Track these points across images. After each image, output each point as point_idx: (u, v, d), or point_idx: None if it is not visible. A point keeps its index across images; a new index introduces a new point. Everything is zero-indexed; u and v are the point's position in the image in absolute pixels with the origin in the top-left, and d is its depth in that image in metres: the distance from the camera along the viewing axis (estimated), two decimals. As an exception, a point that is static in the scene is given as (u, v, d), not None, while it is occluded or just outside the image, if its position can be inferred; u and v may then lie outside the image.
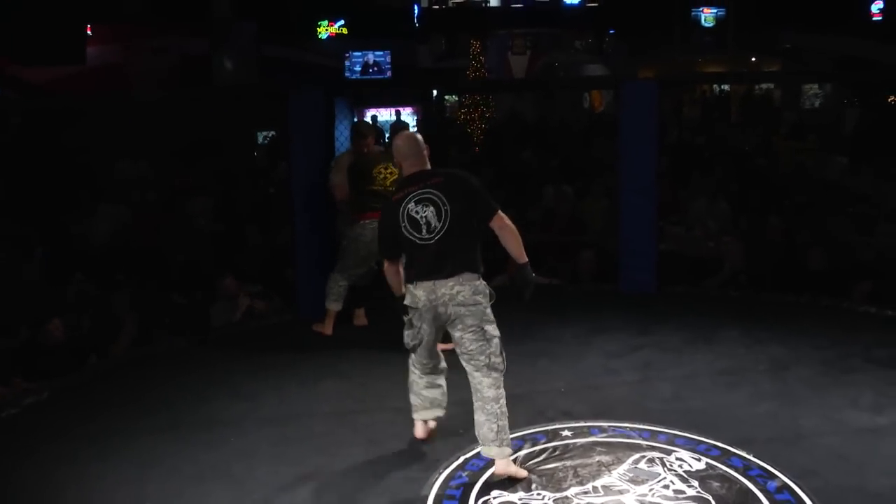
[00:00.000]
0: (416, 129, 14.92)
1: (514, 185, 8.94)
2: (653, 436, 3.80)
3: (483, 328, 3.47)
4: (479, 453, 3.63)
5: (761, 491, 3.30)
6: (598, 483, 3.37)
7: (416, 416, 3.83)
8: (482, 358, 3.46)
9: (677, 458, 3.56)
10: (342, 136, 6.15)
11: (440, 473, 3.51)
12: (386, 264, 3.72)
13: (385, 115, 15.65)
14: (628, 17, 20.26)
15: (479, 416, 3.46)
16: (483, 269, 3.56)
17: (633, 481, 3.38)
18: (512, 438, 3.66)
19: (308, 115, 5.82)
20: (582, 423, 3.94)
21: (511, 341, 5.11)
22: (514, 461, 3.54)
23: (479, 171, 9.49)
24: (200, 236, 7.69)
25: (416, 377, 3.78)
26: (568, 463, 3.54)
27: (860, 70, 15.29)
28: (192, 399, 4.45)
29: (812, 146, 11.29)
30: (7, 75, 11.57)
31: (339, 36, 18.84)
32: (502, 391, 3.48)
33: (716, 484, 3.35)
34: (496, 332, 3.51)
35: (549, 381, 4.56)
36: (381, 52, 17.81)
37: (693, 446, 3.68)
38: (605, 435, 3.82)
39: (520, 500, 3.27)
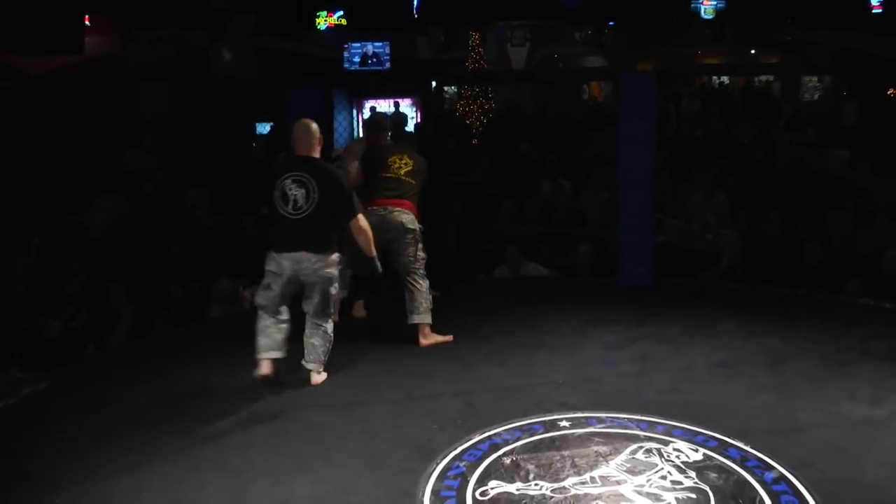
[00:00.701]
0: (415, 119, 14.91)
1: (513, 177, 8.93)
2: (650, 427, 3.80)
3: (326, 289, 4.39)
4: (476, 443, 3.65)
5: (758, 482, 3.30)
6: (596, 473, 3.38)
7: (263, 356, 4.41)
8: (318, 308, 4.42)
9: (675, 449, 3.57)
10: (341, 126, 6.14)
11: (437, 464, 3.51)
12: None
13: (384, 106, 15.60)
14: (628, 9, 20.21)
15: (315, 340, 4.42)
16: (336, 245, 4.39)
17: (631, 472, 3.39)
18: (510, 429, 3.77)
19: (307, 106, 5.80)
20: (580, 414, 3.95)
21: (509, 333, 5.19)
22: (510, 453, 3.56)
23: (478, 163, 9.52)
24: (198, 228, 7.68)
25: (270, 322, 4.43)
26: (566, 453, 3.55)
27: (859, 63, 15.26)
28: (190, 390, 4.45)
29: (811, 139, 11.27)
30: (5, 66, 11.53)
31: (337, 27, 18.79)
32: (330, 328, 4.47)
33: (713, 475, 3.36)
34: (334, 293, 4.47)
35: (547, 372, 4.56)
36: (380, 44, 17.76)
37: (690, 437, 3.69)
38: (602, 426, 3.82)
39: (517, 490, 3.28)
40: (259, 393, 4.38)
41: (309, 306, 4.42)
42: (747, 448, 3.57)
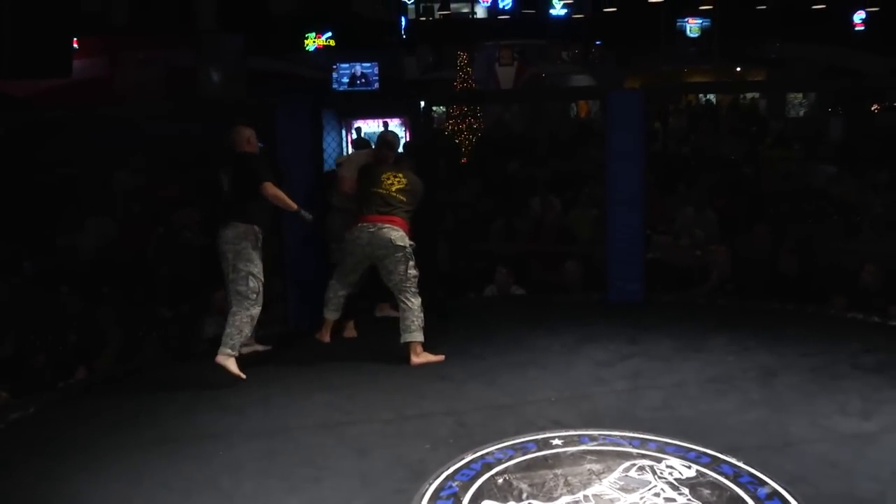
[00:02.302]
0: (404, 139, 14.94)
1: (502, 195, 8.96)
2: (643, 444, 3.79)
3: (236, 263, 4.79)
4: (469, 463, 3.63)
5: (751, 498, 3.30)
6: (589, 492, 3.37)
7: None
8: (233, 285, 4.81)
9: (667, 466, 3.56)
10: (329, 147, 6.15)
11: (430, 484, 3.49)
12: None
13: (373, 126, 15.64)
14: (615, 28, 20.41)
15: (228, 325, 4.75)
16: (257, 219, 4.87)
17: (624, 489, 3.37)
18: (503, 448, 3.75)
19: (296, 126, 5.81)
20: (572, 432, 3.94)
21: (500, 351, 5.18)
22: (503, 472, 3.53)
23: (467, 183, 9.55)
24: (187, 249, 7.65)
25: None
26: (558, 472, 3.53)
27: (844, 79, 15.44)
28: (180, 412, 4.42)
29: (797, 155, 11.36)
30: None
31: (326, 48, 18.86)
32: (241, 315, 4.77)
33: (706, 491, 3.35)
34: (246, 267, 4.79)
35: (539, 390, 4.55)
36: (368, 64, 17.83)
37: (683, 454, 3.68)
38: (595, 443, 3.81)
39: (510, 510, 3.26)
40: (249, 414, 4.35)
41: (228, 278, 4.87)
42: (740, 464, 3.57)
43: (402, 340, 5.02)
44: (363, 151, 5.69)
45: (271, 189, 4.85)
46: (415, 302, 5.03)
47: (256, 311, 4.81)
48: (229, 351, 4.70)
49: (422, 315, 5.04)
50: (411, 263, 5.05)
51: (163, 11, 14.51)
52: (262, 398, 4.56)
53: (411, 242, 5.07)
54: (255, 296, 4.78)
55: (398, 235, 5.02)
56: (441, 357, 5.07)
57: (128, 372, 5.26)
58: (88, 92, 12.80)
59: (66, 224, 8.21)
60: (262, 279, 4.86)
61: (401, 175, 5.20)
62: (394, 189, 5.13)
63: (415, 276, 5.06)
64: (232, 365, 4.71)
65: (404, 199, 5.13)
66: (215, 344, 5.17)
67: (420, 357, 5.02)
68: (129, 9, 14.50)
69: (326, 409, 4.40)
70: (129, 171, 9.99)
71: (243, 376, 4.71)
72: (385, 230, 5.01)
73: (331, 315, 5.40)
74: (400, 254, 5.01)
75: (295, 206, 4.94)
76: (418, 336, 5.02)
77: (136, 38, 14.03)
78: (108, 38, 13.76)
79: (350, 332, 5.59)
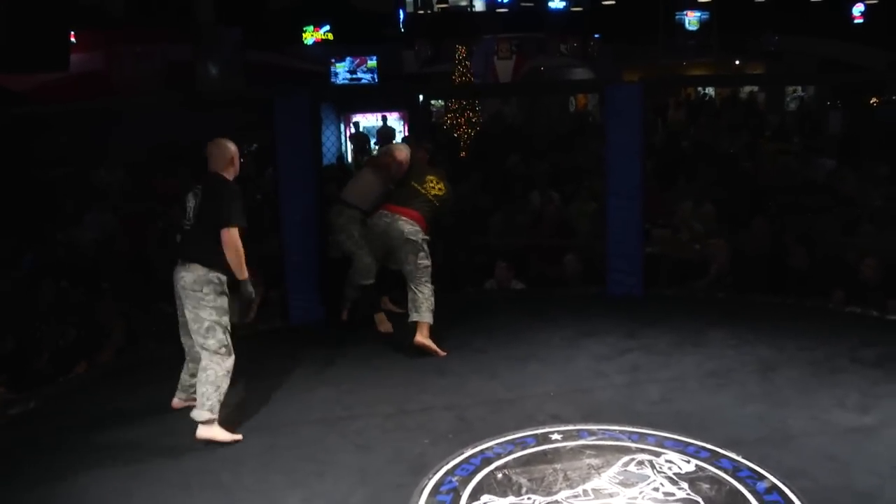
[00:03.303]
0: (403, 134, 14.94)
1: (502, 189, 8.95)
2: (642, 438, 3.80)
3: (198, 313, 3.99)
4: (468, 458, 3.65)
5: (750, 492, 3.31)
6: (588, 486, 3.38)
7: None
8: (197, 337, 4.02)
9: (667, 461, 3.57)
10: (328, 141, 6.14)
11: (430, 479, 3.50)
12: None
13: (371, 120, 15.64)
14: (613, 21, 20.37)
15: (199, 384, 3.98)
16: (220, 268, 4.00)
17: (623, 484, 3.39)
18: (502, 442, 3.76)
19: (294, 120, 5.80)
20: (571, 427, 3.95)
21: (500, 345, 5.19)
22: (502, 467, 3.54)
23: (467, 176, 9.55)
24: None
25: (186, 361, 4.28)
26: (558, 466, 3.54)
27: (842, 72, 15.44)
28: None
29: (796, 148, 11.37)
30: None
31: (324, 41, 18.82)
32: (215, 370, 3.97)
33: (705, 486, 3.36)
34: (211, 318, 3.99)
35: (538, 384, 4.56)
36: (366, 58, 17.81)
37: (682, 448, 3.69)
38: (594, 438, 3.82)
39: (510, 504, 3.27)
40: (250, 409, 4.36)
41: (190, 330, 4.07)
42: (739, 458, 3.58)
43: (409, 319, 5.06)
44: (409, 146, 5.67)
45: (233, 237, 3.97)
46: (425, 290, 5.06)
47: (231, 361, 4.04)
48: (208, 414, 3.93)
49: (432, 300, 5.06)
50: (422, 255, 5.09)
51: (161, 5, 14.47)
52: (263, 393, 4.57)
53: (425, 236, 5.12)
54: (225, 348, 4.01)
55: (411, 229, 5.07)
56: (443, 353, 5.07)
57: (128, 366, 5.26)
58: (86, 86, 12.76)
59: (65, 219, 8.21)
60: (229, 326, 4.07)
61: (443, 183, 5.33)
62: (432, 193, 5.25)
63: (426, 267, 5.09)
64: (218, 432, 3.94)
65: (435, 204, 5.25)
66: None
67: (424, 339, 5.03)
68: (127, 2, 14.48)
69: (327, 403, 4.42)
70: (106, 168, 10.00)
71: (239, 437, 3.99)
72: (400, 222, 5.08)
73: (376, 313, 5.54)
74: (410, 246, 5.06)
75: (246, 274, 4.04)
76: (427, 317, 5.02)
77: (133, 32, 13.99)
78: (106, 31, 13.72)
79: (384, 326, 5.53)
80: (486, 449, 3.74)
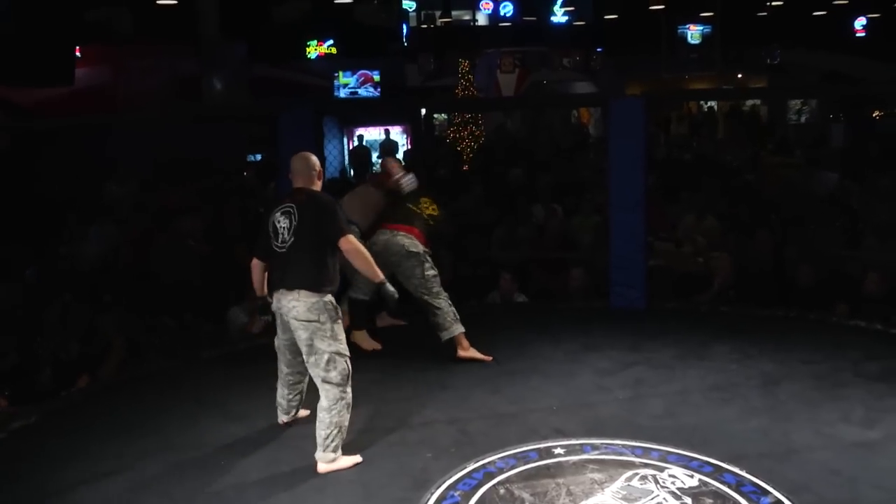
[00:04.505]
0: (405, 147, 14.98)
1: (504, 202, 8.95)
2: (645, 453, 3.79)
3: (314, 344, 3.76)
4: (471, 472, 3.63)
5: (754, 507, 3.29)
6: (591, 501, 3.36)
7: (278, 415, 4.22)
8: (316, 370, 3.79)
9: (670, 475, 3.55)
10: (331, 154, 6.17)
11: (432, 494, 3.49)
12: (253, 260, 4.11)
13: (374, 134, 15.67)
14: (616, 35, 20.43)
15: (317, 420, 3.79)
16: (331, 287, 3.82)
17: (626, 499, 3.37)
18: (505, 457, 3.76)
19: (298, 133, 5.83)
20: (574, 441, 3.93)
21: (503, 359, 5.18)
22: (505, 482, 3.53)
23: (469, 190, 9.56)
24: (190, 257, 7.66)
25: (280, 375, 4.15)
26: (560, 481, 3.53)
27: (845, 85, 15.45)
28: (183, 420, 4.43)
29: (799, 161, 11.36)
30: (-4, 97, 11.56)
31: (328, 56, 18.92)
32: (339, 404, 3.76)
33: (709, 501, 3.35)
34: (331, 348, 3.76)
35: (541, 398, 4.55)
36: (369, 72, 17.88)
37: (686, 463, 3.68)
38: (597, 452, 3.81)
39: (513, 519, 3.26)
40: (253, 423, 4.35)
41: (306, 362, 3.86)
42: (743, 473, 3.56)
43: (443, 339, 5.10)
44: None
45: (354, 243, 3.85)
46: (442, 303, 5.08)
47: (350, 394, 3.79)
48: (332, 455, 3.73)
49: (452, 309, 5.08)
50: (427, 265, 5.12)
51: (166, 20, 14.57)
52: (266, 406, 4.55)
53: (426, 249, 5.16)
54: (347, 378, 3.79)
55: (410, 242, 5.11)
56: (489, 358, 5.12)
57: (130, 380, 5.27)
58: (92, 101, 12.84)
59: (69, 233, 8.22)
60: (349, 353, 3.86)
61: (435, 206, 5.44)
62: (426, 214, 5.34)
63: (434, 276, 5.13)
64: (342, 463, 3.76)
65: (430, 223, 5.34)
66: (214, 353, 5.19)
67: (467, 350, 5.09)
68: (133, 17, 14.58)
69: (329, 417, 4.40)
70: (118, 181, 10.03)
71: (359, 459, 3.82)
72: (399, 237, 5.12)
73: (379, 321, 5.69)
74: (414, 259, 5.08)
75: (381, 276, 3.98)
76: (457, 328, 5.07)
77: (139, 47, 14.08)
78: (112, 46, 13.81)
79: (367, 342, 5.45)
80: (489, 463, 3.73)
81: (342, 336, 3.83)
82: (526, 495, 3.42)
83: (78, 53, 12.79)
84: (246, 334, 6.06)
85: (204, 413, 4.52)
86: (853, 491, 3.44)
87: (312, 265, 3.78)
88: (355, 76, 17.47)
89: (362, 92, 17.46)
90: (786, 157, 11.74)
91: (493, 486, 3.52)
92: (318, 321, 3.74)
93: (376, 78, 17.46)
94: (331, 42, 18.81)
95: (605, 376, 4.87)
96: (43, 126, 10.00)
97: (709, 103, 18.64)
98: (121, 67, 13.74)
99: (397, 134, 15.59)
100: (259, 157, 13.40)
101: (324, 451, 3.73)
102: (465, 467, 3.69)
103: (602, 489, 3.45)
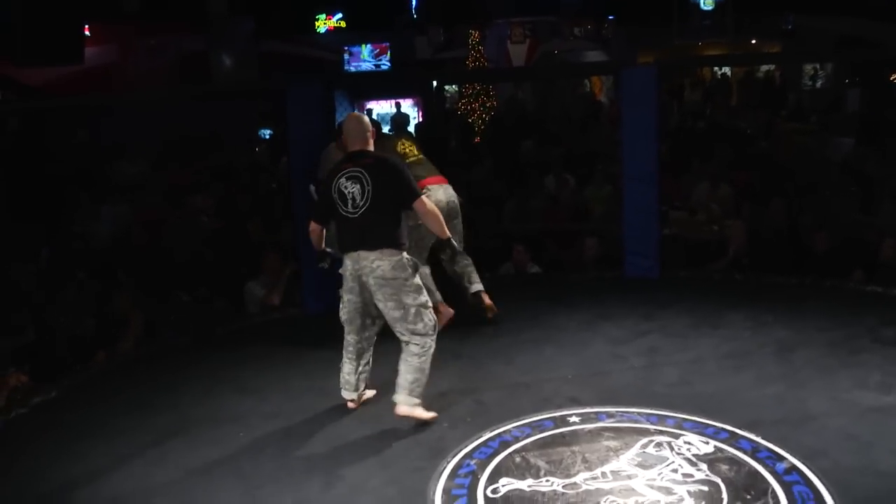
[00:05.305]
0: (417, 120, 14.90)
1: (516, 174, 8.92)
2: (660, 420, 3.79)
3: (402, 300, 3.85)
4: (486, 441, 3.65)
5: (770, 473, 3.29)
6: (607, 468, 3.37)
7: (342, 393, 4.16)
8: (404, 325, 3.87)
9: (685, 442, 3.56)
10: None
11: (448, 462, 3.51)
12: (312, 224, 4.13)
13: (385, 107, 15.60)
14: (627, 2, 20.14)
15: (401, 366, 3.88)
16: (406, 243, 3.92)
17: (642, 466, 3.38)
18: (520, 426, 3.77)
19: (308, 108, 5.80)
20: (589, 410, 3.94)
21: (516, 330, 5.19)
22: (520, 450, 3.55)
23: (481, 161, 9.52)
24: (203, 233, 7.69)
25: (344, 357, 4.14)
26: (576, 449, 3.54)
27: (861, 49, 15.21)
28: (199, 395, 4.47)
29: (814, 128, 11.24)
30: (4, 77, 11.55)
31: (337, 29, 18.79)
32: (428, 352, 3.89)
33: (724, 467, 3.35)
34: (417, 301, 3.88)
35: (556, 368, 4.56)
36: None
37: (701, 430, 3.68)
38: (612, 420, 3.82)
39: (528, 486, 3.27)
40: (269, 396, 4.39)
41: (388, 319, 3.92)
42: (758, 439, 3.56)
43: (472, 291, 5.25)
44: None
45: (427, 203, 3.96)
46: (465, 261, 5.27)
47: (433, 342, 3.93)
48: (416, 400, 3.86)
49: (473, 267, 5.29)
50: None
51: (174, -4, 14.51)
52: (281, 381, 4.60)
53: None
54: (434, 329, 3.92)
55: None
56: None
57: (147, 356, 5.31)
58: (101, 79, 12.83)
59: (82, 211, 8.27)
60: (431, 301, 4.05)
61: (413, 146, 5.26)
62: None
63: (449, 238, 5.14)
64: (420, 412, 3.88)
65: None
66: (229, 328, 5.21)
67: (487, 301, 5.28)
68: (141, -6, 14.52)
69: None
70: (128, 160, 10.05)
71: (435, 415, 3.93)
72: (451, 190, 5.08)
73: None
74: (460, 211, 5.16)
75: (448, 233, 4.10)
76: (478, 284, 5.30)
77: (147, 25, 14.03)
78: (120, 24, 13.76)
79: None
80: (504, 432, 3.75)
81: (423, 288, 3.96)
82: (542, 463, 3.44)
83: (86, 32, 12.76)
84: (264, 307, 6.08)
85: (219, 387, 4.56)
86: (869, 456, 3.43)
87: (392, 224, 3.87)
88: (371, 49, 17.35)
89: (383, 65, 17.37)
90: (800, 124, 11.61)
91: (509, 454, 3.54)
92: (403, 277, 3.84)
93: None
94: (339, 16, 18.68)
95: (619, 345, 4.86)
96: (52, 104, 10.01)
97: (722, 70, 18.39)
98: (129, 45, 13.70)
99: (408, 107, 15.51)
100: (268, 133, 13.38)
101: (408, 394, 3.83)
102: (481, 436, 3.71)
103: (617, 456, 3.46)
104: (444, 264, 5.35)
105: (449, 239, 4.15)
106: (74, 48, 11.09)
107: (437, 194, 4.90)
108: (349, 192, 3.86)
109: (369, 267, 3.83)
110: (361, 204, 3.85)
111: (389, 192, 3.86)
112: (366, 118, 4.11)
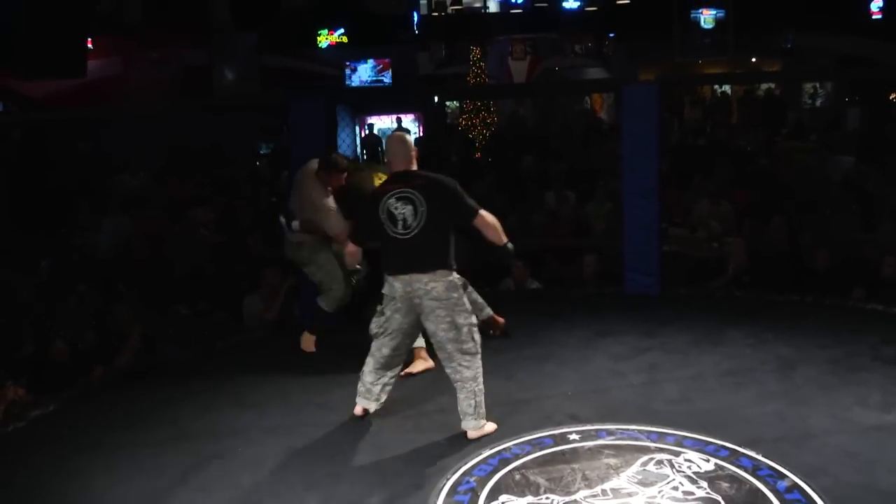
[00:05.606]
0: (416, 135, 14.95)
1: (517, 190, 8.94)
2: (661, 437, 3.78)
3: (455, 320, 3.84)
4: (486, 458, 3.64)
5: (771, 491, 3.28)
6: (607, 486, 3.36)
7: (357, 399, 4.15)
8: (455, 344, 3.85)
9: (686, 460, 3.54)
10: (344, 143, 6.15)
11: (447, 479, 3.49)
12: (350, 246, 4.20)
13: (386, 122, 15.65)
14: (628, 20, 20.25)
15: (460, 394, 3.88)
16: (455, 264, 3.90)
17: (642, 483, 3.36)
18: (520, 443, 3.76)
19: (310, 122, 5.81)
20: (589, 427, 3.93)
21: (517, 346, 5.17)
22: (520, 467, 3.55)
23: (481, 177, 9.54)
24: (203, 247, 7.70)
25: (369, 366, 4.09)
26: (576, 466, 3.53)
27: (861, 68, 15.28)
28: (198, 409, 4.45)
29: (814, 146, 11.27)
30: (7, 89, 11.61)
31: (339, 45, 18.88)
32: (479, 371, 3.89)
33: (725, 484, 3.33)
34: (468, 321, 3.89)
35: (556, 384, 4.54)
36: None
37: (701, 447, 3.66)
38: (612, 437, 3.80)
39: (528, 504, 3.26)
40: (268, 411, 4.37)
41: (435, 341, 3.91)
42: (759, 457, 3.55)
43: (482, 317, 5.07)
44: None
45: (488, 217, 3.92)
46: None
47: (480, 362, 3.95)
48: (483, 421, 3.89)
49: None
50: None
51: (176, 10, 14.58)
52: (281, 395, 4.58)
53: None
54: (479, 346, 3.94)
55: None
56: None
57: (146, 369, 5.30)
58: (103, 92, 12.88)
59: (82, 224, 8.28)
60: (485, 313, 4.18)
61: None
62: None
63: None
64: (490, 427, 3.90)
65: None
66: (229, 342, 5.20)
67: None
68: (143, 8, 14.60)
69: (344, 405, 4.40)
70: (130, 173, 10.08)
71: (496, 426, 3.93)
72: None
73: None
74: None
75: (504, 238, 4.05)
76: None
77: (150, 37, 14.10)
78: (123, 37, 13.84)
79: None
80: (504, 449, 3.73)
81: (470, 307, 3.97)
82: (541, 480, 3.42)
83: (89, 45, 12.83)
84: (262, 321, 6.08)
85: (218, 402, 4.53)
86: (870, 474, 3.41)
87: (444, 245, 3.86)
88: (373, 64, 17.41)
89: (385, 80, 17.42)
90: (801, 143, 11.64)
91: (509, 471, 3.52)
92: (455, 297, 3.85)
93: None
94: (341, 31, 18.77)
95: (620, 362, 4.85)
96: (55, 117, 10.04)
97: (722, 88, 18.48)
98: (131, 58, 13.77)
99: (409, 122, 15.57)
100: (266, 148, 13.43)
101: (476, 419, 3.86)
102: (481, 453, 3.69)
103: (618, 474, 3.44)
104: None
105: (504, 245, 4.03)
106: (77, 61, 11.16)
107: None
108: (400, 214, 3.83)
109: (423, 289, 3.82)
110: (414, 225, 3.82)
111: (446, 213, 3.84)
112: (409, 138, 4.12)
